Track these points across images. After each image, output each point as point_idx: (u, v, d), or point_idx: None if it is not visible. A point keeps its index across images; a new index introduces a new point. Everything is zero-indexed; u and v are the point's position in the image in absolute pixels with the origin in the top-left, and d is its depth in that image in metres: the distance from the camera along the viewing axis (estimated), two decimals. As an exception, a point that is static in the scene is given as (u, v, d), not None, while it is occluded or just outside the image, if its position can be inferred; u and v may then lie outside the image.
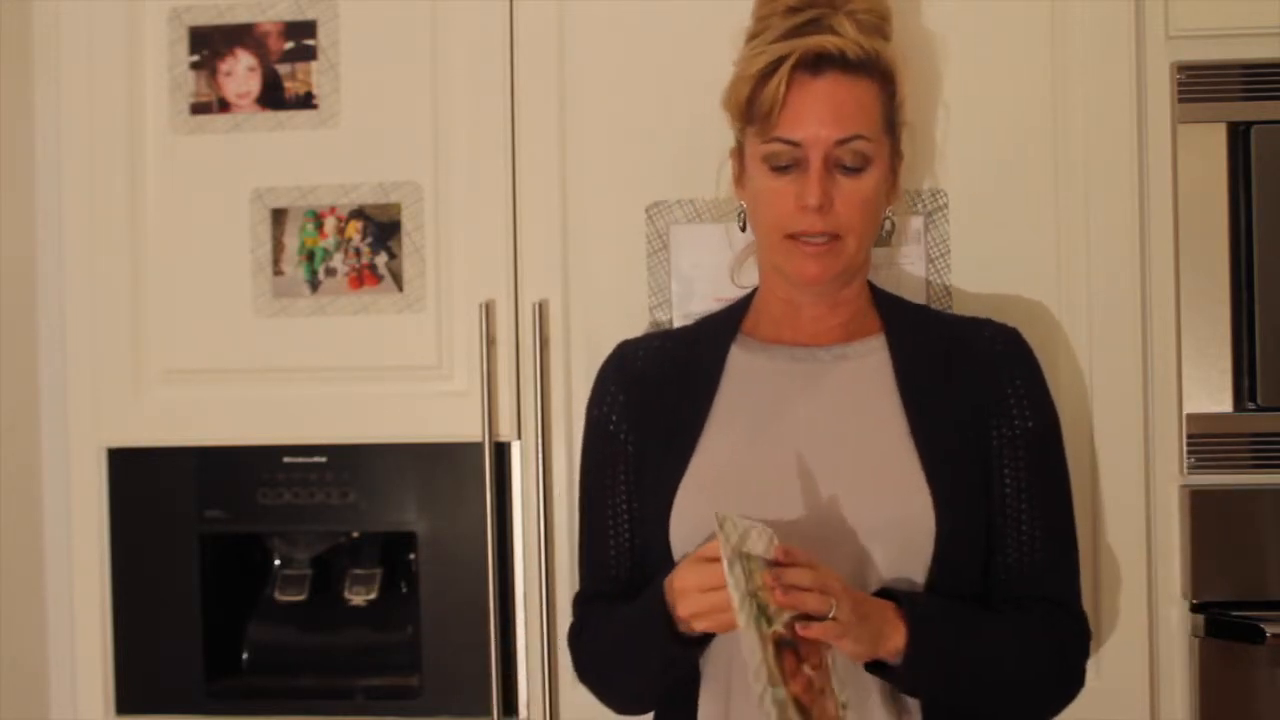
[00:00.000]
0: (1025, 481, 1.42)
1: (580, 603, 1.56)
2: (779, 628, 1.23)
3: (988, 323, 1.50)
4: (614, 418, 1.50)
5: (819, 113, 1.38)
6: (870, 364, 1.45)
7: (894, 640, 1.28)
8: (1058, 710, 1.45)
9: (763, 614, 1.23)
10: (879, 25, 1.44)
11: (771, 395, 1.45)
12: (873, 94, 1.41)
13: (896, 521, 1.35)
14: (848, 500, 1.36)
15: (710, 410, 1.45)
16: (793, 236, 1.40)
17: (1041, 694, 1.42)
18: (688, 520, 1.39)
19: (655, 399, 1.49)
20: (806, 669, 1.24)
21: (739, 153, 1.50)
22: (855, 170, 1.39)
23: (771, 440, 1.41)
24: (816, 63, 1.38)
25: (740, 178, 1.50)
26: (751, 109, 1.41)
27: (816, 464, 1.38)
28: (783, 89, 1.37)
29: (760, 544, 1.24)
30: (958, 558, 1.36)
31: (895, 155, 1.47)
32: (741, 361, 1.48)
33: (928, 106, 1.67)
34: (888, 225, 1.51)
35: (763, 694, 1.21)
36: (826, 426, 1.41)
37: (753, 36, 1.45)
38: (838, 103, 1.38)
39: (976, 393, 1.43)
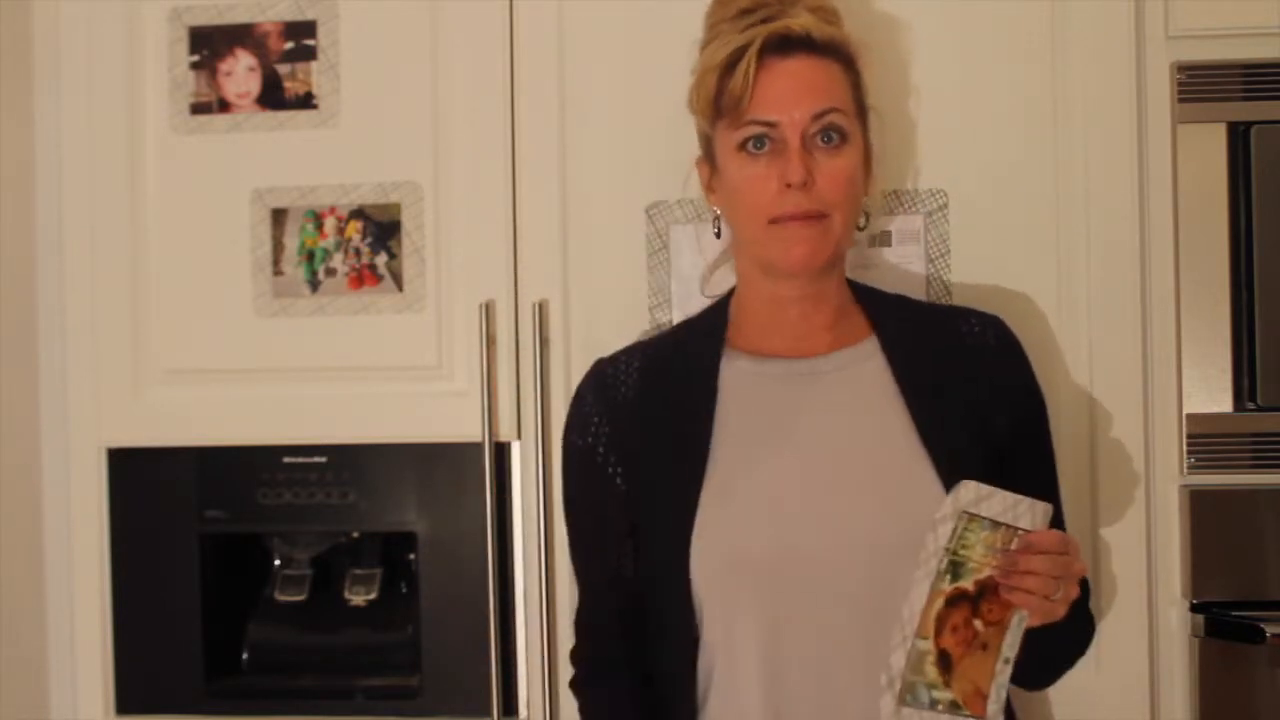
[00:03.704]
0: (1027, 469, 1.42)
1: (583, 634, 1.52)
2: (967, 584, 1.25)
3: (972, 313, 1.49)
4: (600, 450, 1.46)
5: (792, 91, 1.37)
6: (868, 370, 1.43)
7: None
8: (1072, 664, 1.50)
9: (953, 570, 1.26)
10: (832, 19, 1.44)
11: (774, 411, 1.42)
12: (840, 74, 1.41)
13: (916, 529, 1.30)
14: (866, 512, 1.34)
15: (712, 431, 1.42)
16: (777, 222, 1.38)
17: (1077, 649, 1.49)
18: (711, 542, 1.37)
19: (646, 428, 1.45)
20: (978, 624, 1.26)
21: (708, 157, 1.48)
22: (834, 146, 1.38)
23: (783, 456, 1.39)
24: (783, 45, 1.38)
25: (711, 182, 1.48)
26: (721, 100, 1.40)
27: (831, 477, 1.37)
28: (752, 72, 1.37)
29: (996, 508, 1.26)
30: None
31: (867, 142, 1.46)
32: (734, 378, 1.45)
33: (931, 105, 1.68)
34: (863, 219, 1.48)
35: (903, 641, 1.25)
36: (836, 439, 1.39)
37: (706, 45, 1.45)
38: (809, 80, 1.38)
39: (973, 386, 1.42)
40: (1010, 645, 1.27)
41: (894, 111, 1.63)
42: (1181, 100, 1.66)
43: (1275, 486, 1.65)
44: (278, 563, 1.85)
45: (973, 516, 1.25)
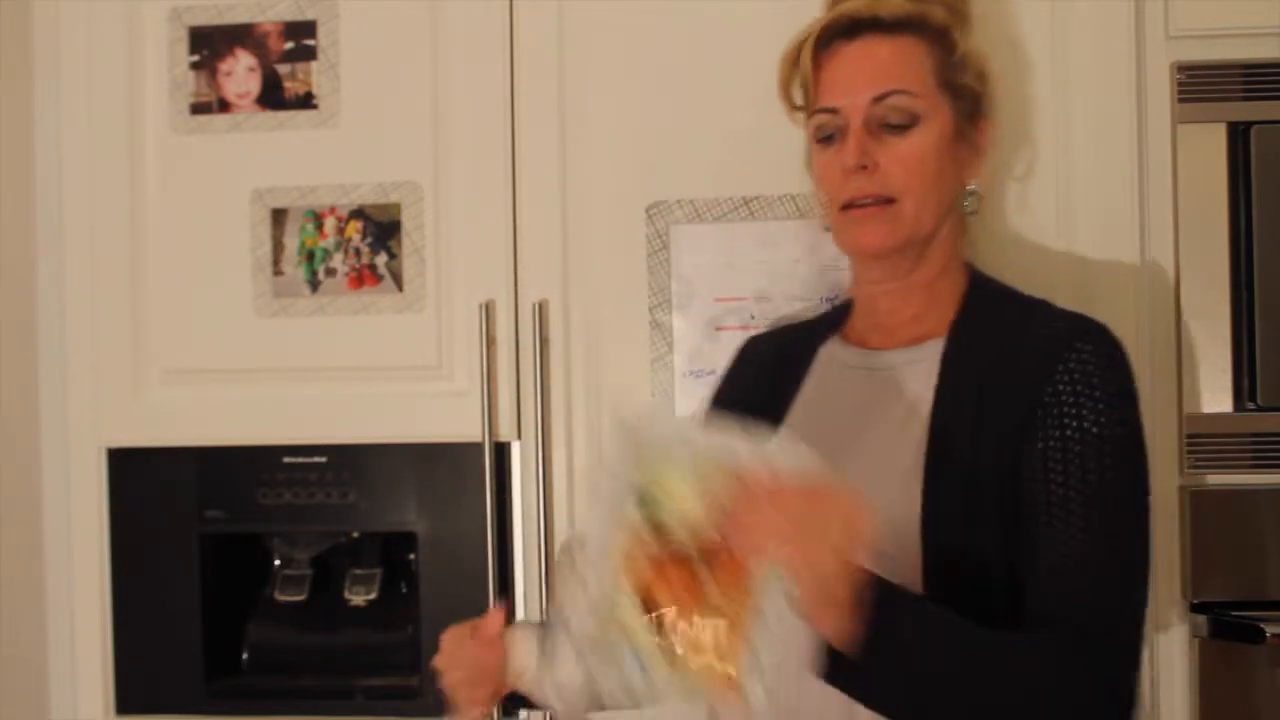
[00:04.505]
0: (1070, 496, 1.21)
1: None
2: (675, 531, 1.05)
3: (1061, 314, 1.32)
4: (721, 413, 1.44)
5: (852, 75, 1.33)
6: (919, 371, 1.32)
7: (846, 610, 1.08)
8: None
9: (643, 506, 1.06)
10: None
11: (837, 401, 1.38)
12: (918, 50, 1.33)
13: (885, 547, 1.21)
14: None
15: (788, 412, 1.39)
16: (846, 209, 1.33)
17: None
18: None
19: (752, 399, 1.43)
20: (712, 589, 1.05)
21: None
22: (901, 128, 1.31)
23: (819, 447, 1.32)
24: (852, 28, 1.34)
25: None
26: (791, 89, 1.39)
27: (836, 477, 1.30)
28: (808, 61, 1.34)
29: (703, 442, 1.06)
30: (953, 590, 1.20)
31: (964, 117, 1.35)
32: (826, 365, 1.42)
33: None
34: (972, 203, 1.38)
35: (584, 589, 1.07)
36: (855, 438, 1.33)
37: None
38: (873, 62, 1.33)
39: (1021, 402, 1.24)
40: (766, 647, 1.04)
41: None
42: (1181, 100, 1.66)
43: (1275, 486, 1.65)
44: (278, 563, 1.85)
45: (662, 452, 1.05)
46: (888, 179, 1.31)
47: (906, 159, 1.31)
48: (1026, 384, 1.25)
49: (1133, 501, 1.23)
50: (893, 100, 1.31)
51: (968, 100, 1.36)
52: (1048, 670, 1.15)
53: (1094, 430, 1.22)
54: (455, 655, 1.33)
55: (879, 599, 1.09)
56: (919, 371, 1.32)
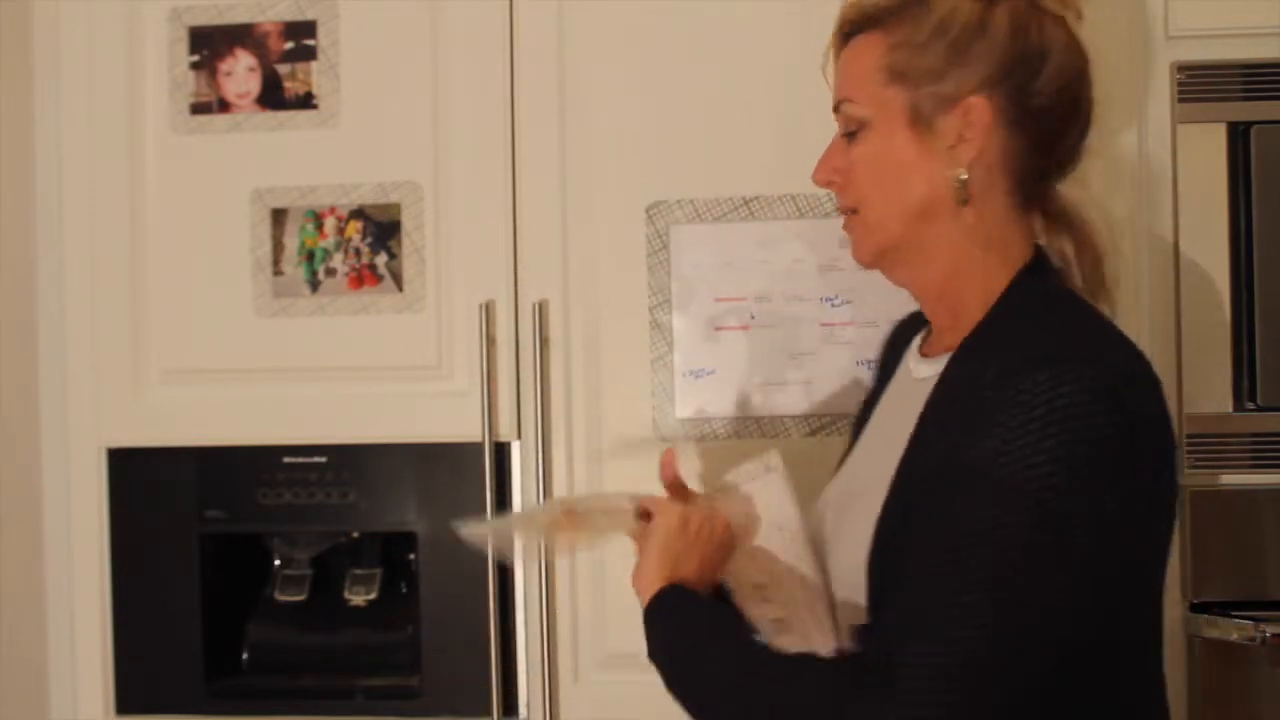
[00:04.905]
0: (920, 525, 1.08)
1: None
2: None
3: (1030, 343, 1.11)
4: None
5: (834, 86, 1.29)
6: (921, 389, 1.21)
7: (656, 582, 1.26)
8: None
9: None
10: None
11: (884, 411, 1.33)
12: (874, 46, 1.22)
13: (846, 573, 1.20)
14: (832, 539, 1.26)
15: (870, 416, 1.36)
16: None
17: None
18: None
19: (869, 394, 1.41)
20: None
21: None
22: (854, 135, 1.23)
23: (851, 458, 1.34)
24: (841, 34, 1.28)
25: None
26: None
27: (838, 494, 1.30)
28: (828, 76, 1.30)
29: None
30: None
31: (935, 104, 1.18)
32: (901, 366, 1.34)
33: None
34: (960, 192, 1.18)
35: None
36: (863, 455, 1.31)
37: None
38: (841, 73, 1.27)
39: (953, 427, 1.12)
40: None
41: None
42: (1181, 100, 1.66)
43: (1275, 486, 1.65)
44: (278, 563, 1.85)
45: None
46: (851, 189, 1.25)
47: (856, 167, 1.24)
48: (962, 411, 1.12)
49: (992, 550, 1.03)
50: (843, 109, 1.25)
51: (939, 82, 1.19)
52: (806, 695, 1.08)
53: (966, 459, 1.06)
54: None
55: (681, 590, 1.24)
56: (921, 389, 1.21)
